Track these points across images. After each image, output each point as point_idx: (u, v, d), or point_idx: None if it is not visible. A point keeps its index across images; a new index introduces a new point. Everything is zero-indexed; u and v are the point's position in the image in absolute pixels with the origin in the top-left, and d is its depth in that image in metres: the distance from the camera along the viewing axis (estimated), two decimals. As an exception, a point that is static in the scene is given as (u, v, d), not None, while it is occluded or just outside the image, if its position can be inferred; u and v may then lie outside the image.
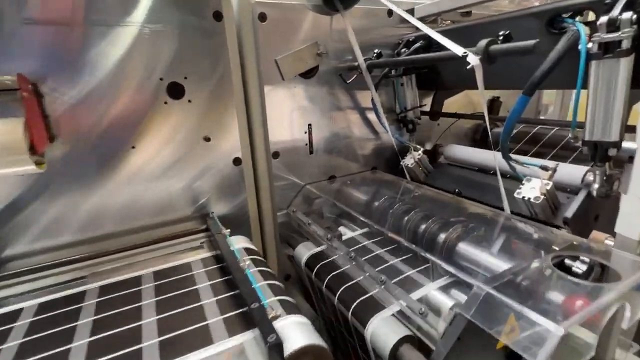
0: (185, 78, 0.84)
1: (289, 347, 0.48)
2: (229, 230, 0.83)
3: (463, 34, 0.94)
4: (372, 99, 1.06)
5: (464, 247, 0.72)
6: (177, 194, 0.90)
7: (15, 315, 0.62)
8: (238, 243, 0.86)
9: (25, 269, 0.74)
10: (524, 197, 0.78)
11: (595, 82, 0.64)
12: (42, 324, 0.59)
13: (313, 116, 1.04)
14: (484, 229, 0.76)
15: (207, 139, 0.90)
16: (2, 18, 0.65)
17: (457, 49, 0.68)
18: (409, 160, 1.11)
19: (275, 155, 1.01)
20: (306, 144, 1.05)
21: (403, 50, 1.06)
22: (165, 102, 0.83)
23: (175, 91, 0.83)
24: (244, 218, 1.01)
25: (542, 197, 0.75)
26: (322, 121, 1.06)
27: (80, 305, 0.64)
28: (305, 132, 1.04)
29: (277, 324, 0.52)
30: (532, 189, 0.77)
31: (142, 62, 0.78)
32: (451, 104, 1.26)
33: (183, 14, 0.80)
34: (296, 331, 0.53)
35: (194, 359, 0.49)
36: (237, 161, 0.95)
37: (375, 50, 1.04)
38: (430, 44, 0.99)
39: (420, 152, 1.10)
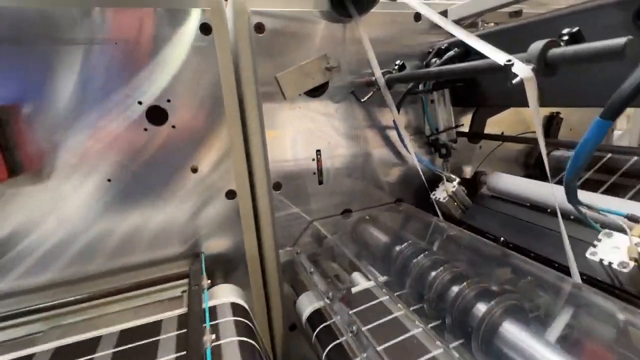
0: (169, 101, 0.73)
1: None
2: (209, 281, 0.70)
3: (511, 38, 0.74)
4: (394, 120, 0.88)
5: (510, 331, 0.52)
6: (162, 230, 0.78)
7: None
8: (223, 296, 0.72)
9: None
10: (602, 260, 0.55)
11: None
12: None
13: (322, 140, 0.89)
14: (540, 303, 0.55)
15: (194, 170, 0.77)
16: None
17: (499, 56, 0.49)
18: (440, 194, 0.91)
19: (277, 186, 0.86)
20: (314, 173, 0.89)
21: (434, 60, 0.87)
22: (145, 129, 0.72)
23: (157, 116, 0.73)
24: (242, 257, 0.87)
25: (633, 263, 0.52)
26: (335, 145, 0.90)
27: None
28: (313, 159, 0.89)
29: None
30: (614, 250, 0.54)
31: (117, 84, 0.69)
32: (497, 122, 1.04)
33: (163, 28, 0.69)
34: None
35: None
36: (230, 194, 0.82)
37: (397, 62, 0.86)
38: (468, 52, 0.80)
39: (455, 183, 0.90)
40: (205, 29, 0.72)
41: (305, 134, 0.87)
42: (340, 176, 0.93)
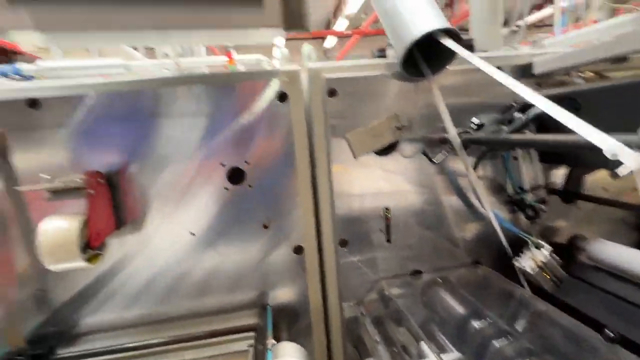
0: (247, 162, 0.79)
1: None
2: (274, 341, 0.71)
3: (614, 97, 0.65)
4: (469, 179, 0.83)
5: None
6: (234, 280, 0.83)
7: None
8: (287, 355, 0.72)
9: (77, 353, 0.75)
10: None
11: None
12: None
13: (391, 198, 0.87)
14: None
15: (266, 226, 0.82)
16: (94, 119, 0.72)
17: (597, 137, 0.43)
18: (526, 262, 0.80)
19: (343, 243, 0.86)
20: (381, 230, 0.87)
21: (517, 116, 0.81)
22: (226, 188, 0.79)
23: (236, 176, 0.79)
24: (306, 312, 0.88)
25: None
26: (404, 200, 0.87)
27: None
28: (381, 216, 0.87)
29: None
30: None
31: (204, 150, 0.77)
32: (599, 178, 0.90)
33: (246, 99, 0.77)
34: None
35: None
36: (298, 250, 0.84)
37: (475, 121, 0.81)
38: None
39: (547, 252, 0.79)
40: (281, 97, 0.78)
41: (375, 191, 0.86)
42: (409, 234, 0.89)
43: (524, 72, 0.87)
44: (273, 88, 0.78)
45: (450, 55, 0.73)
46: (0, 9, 0.46)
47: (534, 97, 0.51)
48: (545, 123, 0.78)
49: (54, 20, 0.50)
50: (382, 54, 0.92)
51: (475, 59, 0.62)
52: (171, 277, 0.80)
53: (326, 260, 0.87)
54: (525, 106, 0.80)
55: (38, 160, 0.71)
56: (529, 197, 0.85)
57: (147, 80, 0.75)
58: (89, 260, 0.65)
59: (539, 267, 0.79)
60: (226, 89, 0.76)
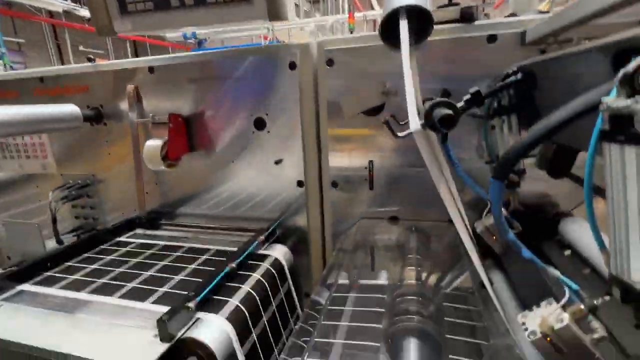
0: (267, 114, 1.09)
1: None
2: (262, 237, 1.04)
3: (570, 66, 0.66)
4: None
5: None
6: (258, 201, 1.18)
7: (149, 247, 1.11)
8: (274, 250, 1.05)
9: (172, 223, 1.26)
10: (524, 323, 0.51)
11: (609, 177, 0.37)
12: (154, 257, 1.04)
13: (375, 153, 1.03)
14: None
15: (278, 162, 1.12)
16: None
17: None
18: (479, 224, 0.87)
19: (334, 184, 1.09)
20: (366, 179, 1.06)
21: (502, 85, 0.83)
22: (253, 132, 1.12)
23: (260, 124, 1.11)
24: (305, 232, 1.17)
25: (541, 335, 0.47)
26: (386, 156, 1.03)
27: (172, 254, 1.05)
28: (366, 168, 1.05)
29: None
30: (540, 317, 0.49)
31: (243, 104, 1.10)
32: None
33: (268, 67, 1.05)
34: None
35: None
36: (300, 184, 1.12)
37: (471, 91, 0.87)
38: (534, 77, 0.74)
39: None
40: (292, 65, 1.02)
41: (362, 146, 1.04)
42: (392, 186, 1.05)
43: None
44: (286, 60, 1.03)
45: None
46: (115, 19, 0.88)
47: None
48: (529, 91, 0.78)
49: (142, 24, 0.89)
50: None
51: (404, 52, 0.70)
52: (216, 188, 1.22)
53: (325, 195, 1.12)
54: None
55: (153, 105, 1.19)
56: (502, 166, 0.87)
57: (212, 52, 1.11)
58: (169, 167, 1.10)
59: (486, 229, 0.85)
60: (254, 61, 1.06)
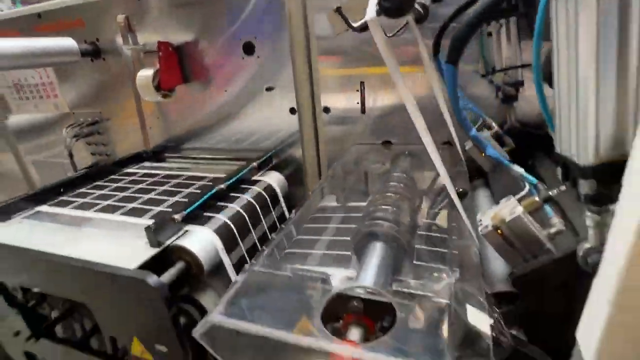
0: (255, 38, 1.05)
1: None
2: (258, 168, 1.06)
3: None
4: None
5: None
6: (254, 129, 1.19)
7: (152, 176, 1.17)
8: (267, 177, 1.08)
9: (175, 155, 1.31)
10: (480, 220, 0.50)
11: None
12: (154, 184, 1.10)
13: (367, 77, 0.99)
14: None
15: (269, 89, 1.10)
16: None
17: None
18: (468, 142, 0.83)
19: (327, 110, 1.07)
20: (357, 103, 1.02)
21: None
22: (243, 58, 1.09)
23: (249, 49, 1.07)
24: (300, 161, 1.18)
25: (492, 229, 0.47)
26: (379, 78, 0.98)
27: (172, 181, 1.11)
28: (357, 90, 1.01)
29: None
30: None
31: (231, 28, 1.07)
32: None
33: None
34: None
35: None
36: (292, 111, 1.10)
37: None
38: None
39: (487, 134, 0.80)
40: (279, -10, 0.96)
41: (352, 67, 1.00)
42: (384, 108, 1.01)
43: None
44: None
45: None
46: None
47: None
48: None
49: None
50: None
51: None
52: (213, 119, 1.23)
53: (317, 120, 1.11)
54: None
55: (145, 37, 1.18)
56: (497, 79, 0.81)
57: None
58: (164, 97, 1.11)
59: (475, 145, 0.82)
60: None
